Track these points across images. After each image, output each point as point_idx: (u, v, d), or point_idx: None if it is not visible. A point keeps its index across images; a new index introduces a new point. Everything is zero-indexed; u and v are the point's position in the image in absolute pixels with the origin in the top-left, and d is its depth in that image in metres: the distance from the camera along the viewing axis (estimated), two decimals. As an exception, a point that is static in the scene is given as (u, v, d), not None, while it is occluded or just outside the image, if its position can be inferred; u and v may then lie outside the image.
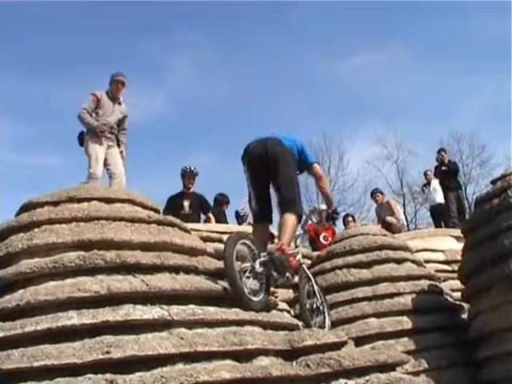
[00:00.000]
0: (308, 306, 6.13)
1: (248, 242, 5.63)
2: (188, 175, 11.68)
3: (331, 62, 53.97)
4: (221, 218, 12.46)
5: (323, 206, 13.54)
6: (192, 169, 11.72)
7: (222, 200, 13.17)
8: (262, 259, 5.60)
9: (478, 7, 48.48)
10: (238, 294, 5.25)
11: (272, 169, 6.04)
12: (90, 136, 9.70)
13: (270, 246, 6.06)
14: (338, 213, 7.17)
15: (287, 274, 5.90)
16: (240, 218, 13.49)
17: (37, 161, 49.22)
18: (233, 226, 11.26)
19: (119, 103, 10.12)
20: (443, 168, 16.09)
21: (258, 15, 52.95)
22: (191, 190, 11.68)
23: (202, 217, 11.56)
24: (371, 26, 50.79)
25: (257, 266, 5.53)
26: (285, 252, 5.77)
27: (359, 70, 51.39)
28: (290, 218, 5.90)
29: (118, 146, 10.08)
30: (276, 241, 6.21)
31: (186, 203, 11.32)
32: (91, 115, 9.75)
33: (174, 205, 10.85)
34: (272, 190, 6.21)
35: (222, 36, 51.62)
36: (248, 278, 5.45)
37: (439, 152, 16.63)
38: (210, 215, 11.68)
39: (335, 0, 47.18)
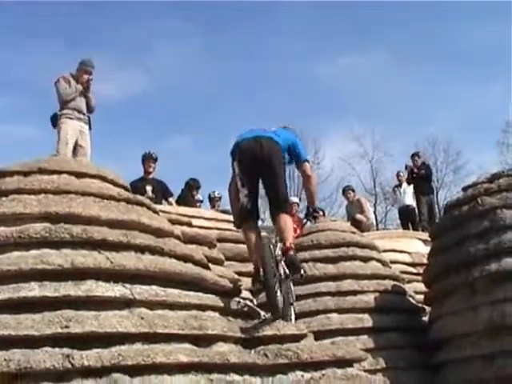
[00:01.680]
0: (285, 297, 6.16)
1: (271, 246, 5.83)
2: (148, 159, 11.82)
3: (316, 62, 54.20)
4: (191, 203, 12.58)
5: (293, 199, 13.59)
6: (151, 153, 11.88)
7: (192, 185, 13.32)
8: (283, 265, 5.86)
9: (464, 16, 48.91)
10: (274, 304, 5.46)
11: (266, 168, 6.06)
12: (66, 118, 10.17)
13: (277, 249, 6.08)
14: (318, 212, 7.16)
15: (301, 271, 6.03)
16: (212, 201, 13.79)
17: (13, 131, 48.53)
18: (202, 210, 11.32)
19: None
20: (416, 172, 16.07)
21: (247, 11, 53.02)
22: (151, 176, 11.81)
23: (163, 202, 11.55)
24: (357, 29, 50.91)
25: (281, 271, 5.80)
26: (294, 250, 5.96)
27: (343, 71, 51.52)
28: (288, 218, 6.02)
29: (90, 128, 10.50)
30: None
31: (149, 188, 11.38)
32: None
33: (136, 190, 10.81)
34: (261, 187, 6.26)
35: (209, 27, 51.70)
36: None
37: (413, 156, 16.54)
38: (172, 200, 11.78)
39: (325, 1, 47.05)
